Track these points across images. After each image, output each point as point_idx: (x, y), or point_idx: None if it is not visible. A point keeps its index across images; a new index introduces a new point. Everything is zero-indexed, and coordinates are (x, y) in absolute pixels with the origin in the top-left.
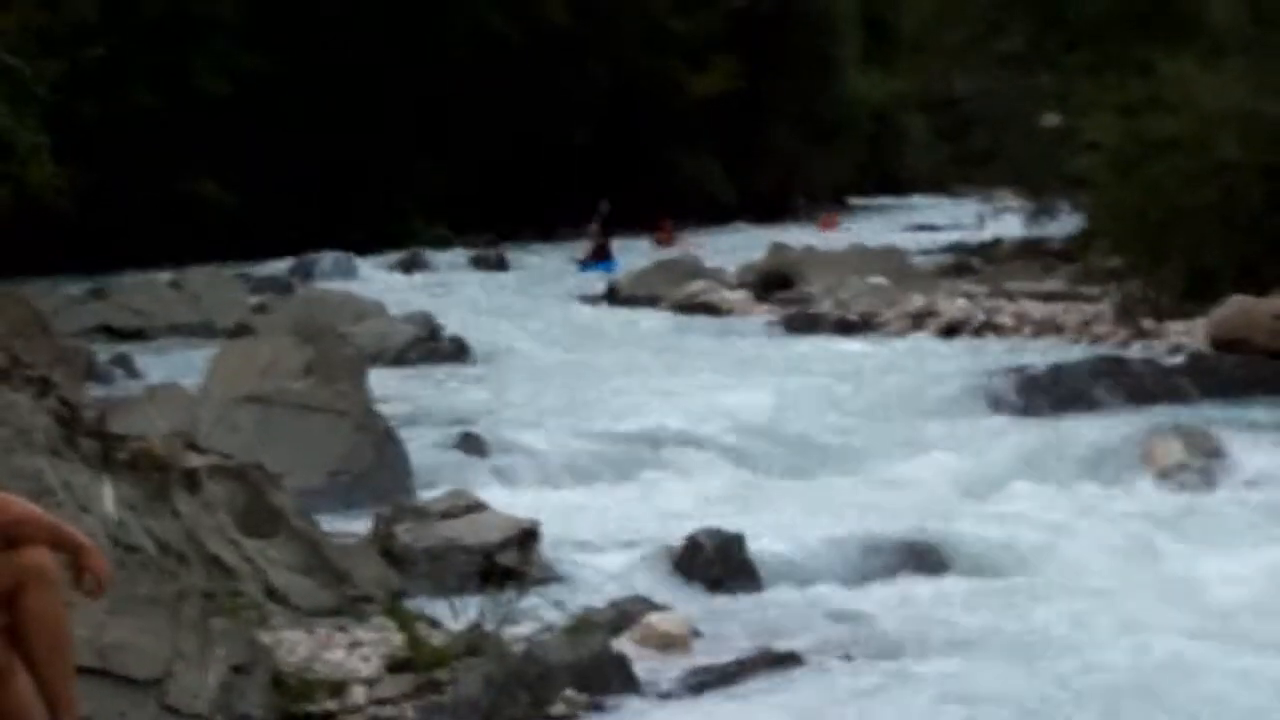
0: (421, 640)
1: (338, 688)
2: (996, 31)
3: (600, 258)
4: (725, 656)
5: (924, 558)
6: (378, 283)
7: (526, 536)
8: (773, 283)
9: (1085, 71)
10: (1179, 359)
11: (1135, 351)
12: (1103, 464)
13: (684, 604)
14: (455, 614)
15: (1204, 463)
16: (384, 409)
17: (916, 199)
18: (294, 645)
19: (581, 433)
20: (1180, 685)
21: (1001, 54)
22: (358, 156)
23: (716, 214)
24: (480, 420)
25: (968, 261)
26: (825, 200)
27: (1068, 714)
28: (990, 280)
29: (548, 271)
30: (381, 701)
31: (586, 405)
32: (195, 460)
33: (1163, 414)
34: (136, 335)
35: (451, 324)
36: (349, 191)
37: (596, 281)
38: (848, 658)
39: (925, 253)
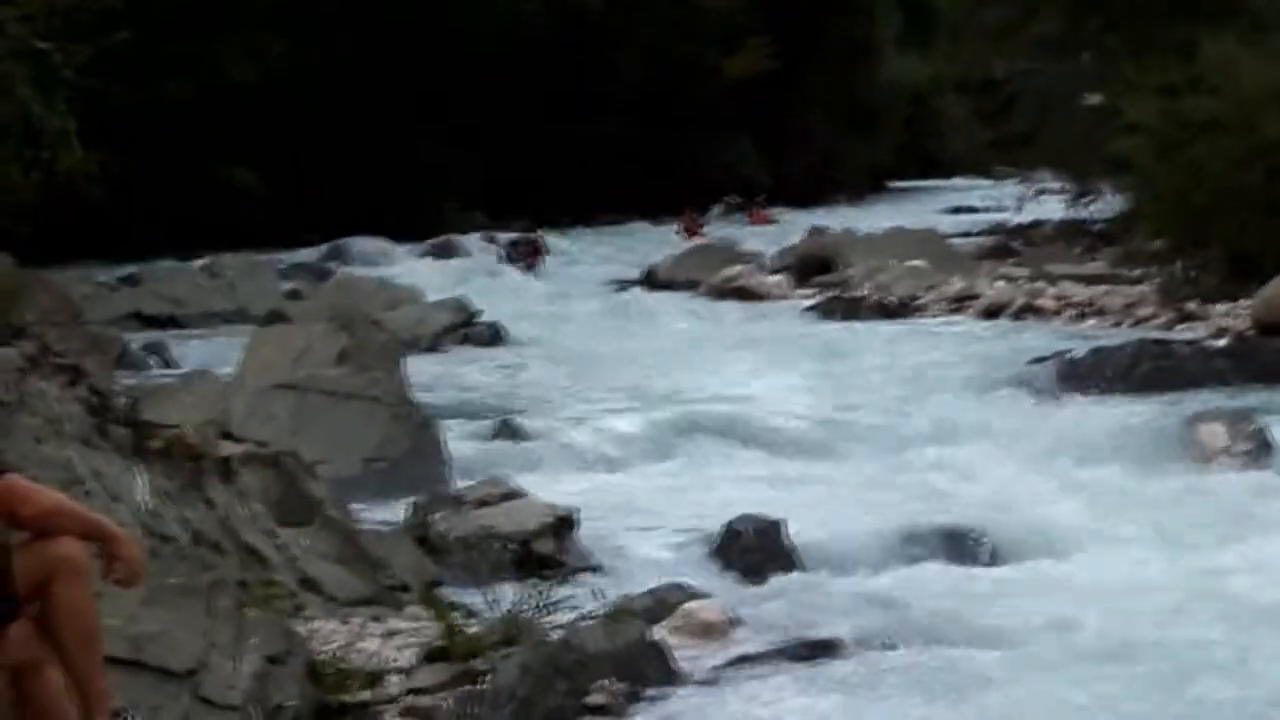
0: (457, 629)
1: (373, 678)
2: (1035, 13)
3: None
4: (764, 644)
5: (965, 544)
6: (412, 269)
7: (563, 524)
8: (811, 267)
9: (1126, 52)
10: (1223, 342)
11: (1178, 335)
12: (1146, 449)
13: (722, 591)
14: (491, 603)
15: (1248, 447)
16: (419, 396)
17: (956, 181)
18: (329, 635)
19: (618, 419)
20: (1222, 671)
21: (1041, 35)
22: (391, 143)
23: (752, 197)
24: (516, 407)
25: (1008, 244)
26: (864, 183)
27: (1112, 702)
28: (1031, 263)
29: (584, 256)
30: (417, 691)
31: (623, 391)
32: (229, 448)
33: (1207, 398)
34: (169, 323)
35: (487, 310)
36: (382, 178)
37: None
38: (888, 645)
39: (965, 235)
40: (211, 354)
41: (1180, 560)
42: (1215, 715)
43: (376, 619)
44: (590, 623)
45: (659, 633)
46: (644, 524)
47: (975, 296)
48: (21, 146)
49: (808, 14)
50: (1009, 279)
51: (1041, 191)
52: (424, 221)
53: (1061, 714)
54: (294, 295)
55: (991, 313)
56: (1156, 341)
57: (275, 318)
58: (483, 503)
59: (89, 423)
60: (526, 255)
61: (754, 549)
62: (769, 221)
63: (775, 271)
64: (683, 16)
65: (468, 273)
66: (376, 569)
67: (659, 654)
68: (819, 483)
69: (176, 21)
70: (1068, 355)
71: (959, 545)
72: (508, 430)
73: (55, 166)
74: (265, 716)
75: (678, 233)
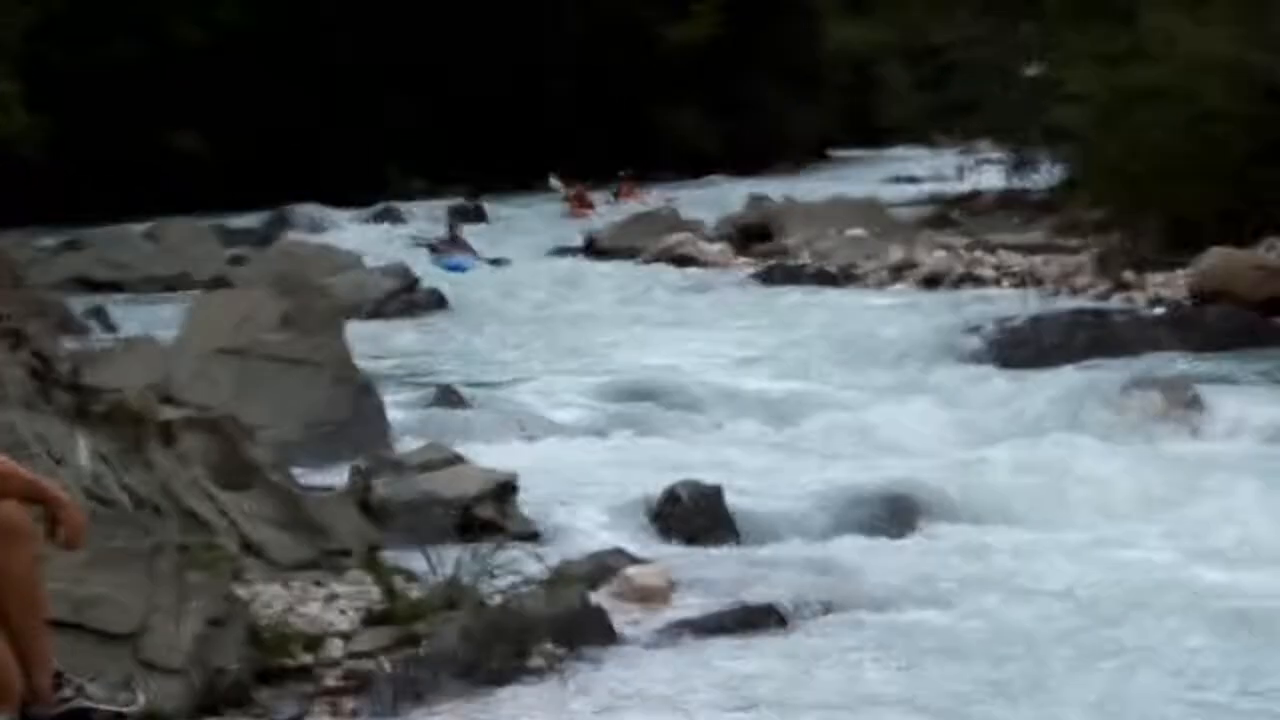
0: (399, 593)
1: (314, 641)
2: None
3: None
4: (704, 609)
5: (903, 510)
6: (355, 235)
7: (504, 490)
8: (751, 235)
9: (1067, 20)
10: (1159, 311)
11: (1115, 303)
12: (1082, 415)
13: (662, 557)
14: (433, 567)
15: (1183, 414)
16: (362, 361)
17: (897, 150)
18: (270, 599)
19: (559, 386)
20: (1157, 627)
21: (982, 2)
22: (334, 109)
23: (695, 165)
24: (459, 373)
25: (947, 213)
26: (807, 151)
27: (1047, 663)
28: (970, 232)
29: (526, 223)
30: (358, 655)
31: (564, 358)
32: (170, 413)
33: (1142, 365)
34: (112, 287)
35: (429, 276)
36: (325, 143)
37: (574, 235)
38: (826, 610)
39: (905, 204)
40: (154, 319)
41: (1116, 525)
42: (1147, 671)
43: (318, 583)
44: (531, 587)
45: (599, 597)
46: (585, 490)
47: (914, 265)
48: None
49: None
50: (948, 248)
51: (982, 161)
52: (367, 187)
53: (997, 673)
54: (237, 261)
55: (931, 281)
56: (1093, 310)
57: (218, 283)
58: (424, 468)
59: (32, 387)
60: (457, 249)
61: (694, 515)
62: (637, 197)
63: (716, 240)
64: None
65: (411, 239)
66: (318, 533)
67: (599, 618)
68: (758, 450)
69: None
70: (1006, 323)
71: (897, 511)
72: (449, 396)
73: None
74: (206, 679)
75: (564, 204)
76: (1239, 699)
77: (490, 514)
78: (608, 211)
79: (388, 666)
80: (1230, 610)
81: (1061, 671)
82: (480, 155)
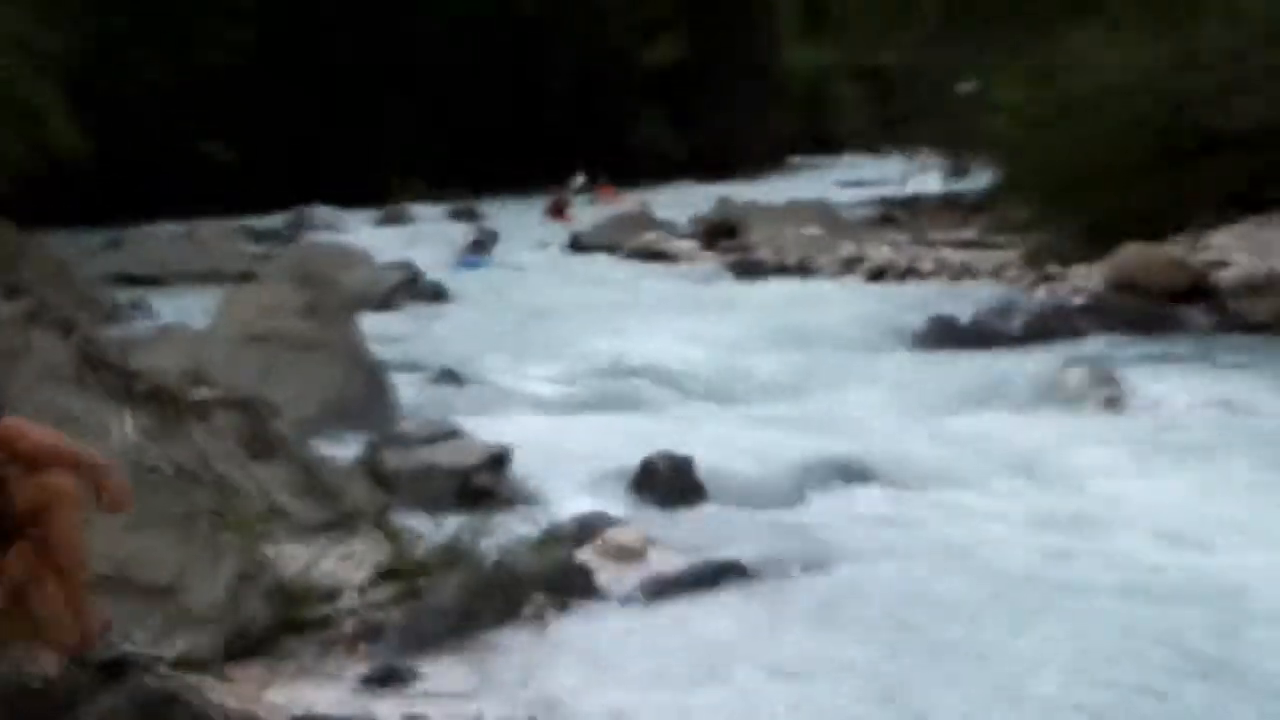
0: (406, 552)
1: (332, 594)
2: (910, 12)
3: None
4: (677, 566)
5: (854, 477)
6: (366, 234)
7: (498, 460)
8: (718, 233)
9: (999, 44)
10: (1080, 300)
11: (1042, 294)
12: (1013, 393)
13: (640, 519)
14: (436, 529)
15: (1104, 391)
16: (372, 347)
17: (848, 158)
18: (293, 557)
19: (548, 367)
20: (1082, 591)
21: (922, 27)
22: (346, 121)
23: (667, 171)
24: (457, 356)
25: (893, 214)
26: (767, 158)
27: (982, 609)
28: (913, 230)
29: (519, 223)
30: (370, 606)
31: (552, 343)
32: (204, 393)
33: (1066, 349)
34: (151, 281)
35: (431, 270)
36: (338, 151)
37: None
38: (788, 565)
39: (855, 206)
40: (190, 309)
41: (1048, 492)
42: (1068, 634)
43: (334, 543)
44: (522, 547)
45: (583, 556)
46: (571, 460)
47: (863, 260)
48: (14, 123)
49: (718, 8)
50: (893, 245)
51: (923, 167)
52: (373, 192)
53: (939, 618)
54: (263, 257)
55: (877, 275)
56: (1023, 300)
57: (246, 277)
58: (428, 441)
59: (81, 369)
60: (477, 250)
61: (668, 482)
62: (617, 200)
63: (687, 237)
64: (608, 11)
65: (415, 237)
66: (335, 499)
67: (583, 574)
68: (726, 425)
69: (155, 9)
70: (944, 312)
71: (849, 479)
72: (449, 377)
73: (47, 142)
74: (236, 629)
75: (546, 213)
76: (1160, 662)
77: (486, 482)
78: (581, 214)
79: (396, 616)
80: (1148, 575)
81: (993, 632)
82: (478, 162)
